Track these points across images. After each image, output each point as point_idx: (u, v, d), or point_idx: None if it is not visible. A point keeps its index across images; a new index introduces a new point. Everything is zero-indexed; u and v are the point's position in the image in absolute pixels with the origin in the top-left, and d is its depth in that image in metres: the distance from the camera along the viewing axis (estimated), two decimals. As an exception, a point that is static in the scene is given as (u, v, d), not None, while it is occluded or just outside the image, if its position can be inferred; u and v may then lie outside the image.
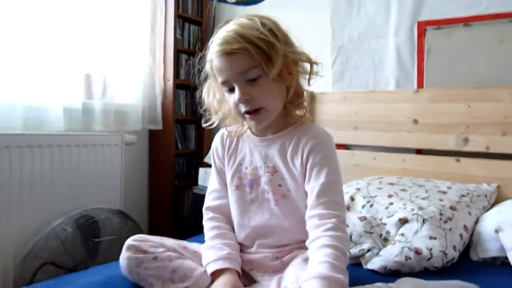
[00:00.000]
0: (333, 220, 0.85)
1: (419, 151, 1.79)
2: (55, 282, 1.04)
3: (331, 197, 0.89)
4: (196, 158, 2.55)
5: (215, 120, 1.02)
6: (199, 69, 1.00)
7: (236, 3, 2.12)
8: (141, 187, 2.44)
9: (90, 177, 2.04)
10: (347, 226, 1.27)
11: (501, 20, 1.63)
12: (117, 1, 2.13)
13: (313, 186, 0.90)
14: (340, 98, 1.97)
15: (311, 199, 0.90)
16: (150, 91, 2.33)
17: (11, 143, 1.70)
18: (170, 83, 2.37)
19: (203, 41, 2.50)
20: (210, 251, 0.95)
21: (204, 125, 1.03)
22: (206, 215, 1.06)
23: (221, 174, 1.07)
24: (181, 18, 2.44)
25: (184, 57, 2.47)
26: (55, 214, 1.84)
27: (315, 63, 0.95)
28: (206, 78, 1.00)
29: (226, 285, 0.87)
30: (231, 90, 0.91)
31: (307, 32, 2.10)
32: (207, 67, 0.95)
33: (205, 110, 1.02)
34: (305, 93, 0.99)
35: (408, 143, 1.79)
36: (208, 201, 1.08)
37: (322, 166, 0.91)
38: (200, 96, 1.02)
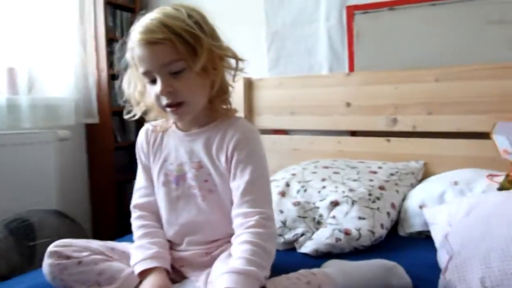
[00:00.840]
0: (256, 217, 0.86)
1: (353, 133, 1.86)
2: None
3: (255, 195, 0.89)
4: (137, 150, 2.48)
5: (137, 111, 0.99)
6: (119, 57, 0.96)
7: (168, -11, 2.06)
8: (81, 184, 2.35)
9: (22, 178, 1.94)
10: (281, 212, 1.30)
11: (423, 4, 1.69)
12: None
13: (238, 184, 0.91)
14: (277, 83, 1.99)
15: (236, 197, 0.90)
16: (83, 83, 2.23)
17: None
18: (104, 73, 2.28)
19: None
20: (138, 251, 0.94)
21: (125, 116, 1.00)
22: (134, 213, 1.03)
23: (147, 170, 1.05)
24: (111, 5, 2.33)
25: (118, 46, 2.37)
26: (-17, 220, 1.74)
27: (241, 59, 0.94)
28: (126, 67, 0.96)
29: (153, 285, 0.86)
30: (153, 81, 0.88)
31: (242, 19, 2.10)
32: (128, 55, 0.91)
33: (125, 101, 0.98)
34: (230, 88, 0.97)
35: (343, 125, 1.84)
36: (135, 199, 1.05)
37: (247, 164, 0.91)
38: (120, 87, 0.98)
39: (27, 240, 1.76)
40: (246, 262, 0.78)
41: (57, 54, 2.09)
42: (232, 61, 0.94)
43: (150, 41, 0.84)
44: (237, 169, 0.91)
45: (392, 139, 1.74)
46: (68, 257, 0.92)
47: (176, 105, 0.89)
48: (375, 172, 1.52)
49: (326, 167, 1.59)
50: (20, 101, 1.93)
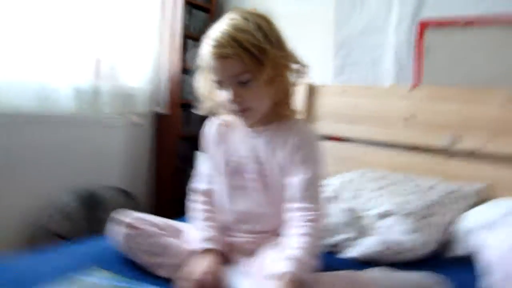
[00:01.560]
0: (316, 213, 0.94)
1: (411, 148, 1.84)
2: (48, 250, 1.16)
3: (312, 192, 0.97)
4: (199, 141, 2.62)
5: (206, 108, 1.08)
6: (192, 56, 1.05)
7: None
8: (147, 167, 2.54)
9: (97, 156, 2.16)
10: (330, 215, 1.34)
11: (500, 25, 1.64)
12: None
13: (298, 180, 0.97)
14: (340, 91, 2.01)
15: (296, 192, 0.97)
16: (158, 75, 2.41)
17: (24, 120, 1.81)
18: (177, 68, 2.44)
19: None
20: (200, 231, 1.05)
21: (195, 111, 1.10)
22: (197, 197, 1.13)
23: (210, 159, 1.14)
24: (189, 5, 2.48)
25: (191, 43, 2.52)
26: (62, 189, 1.96)
27: (304, 65, 1.00)
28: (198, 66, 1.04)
29: (208, 265, 0.96)
30: (223, 87, 0.97)
31: (312, 25, 2.16)
32: (200, 60, 1.00)
33: (196, 98, 1.08)
34: (292, 91, 1.03)
35: (402, 139, 1.83)
36: (199, 183, 1.15)
37: (306, 162, 0.98)
38: (190, 82, 1.08)
39: (95, 212, 1.96)
40: (306, 253, 0.87)
41: (137, 47, 2.28)
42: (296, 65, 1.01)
43: (220, 56, 0.92)
44: (294, 166, 0.98)
45: (453, 159, 1.70)
46: (139, 229, 1.04)
47: (243, 110, 0.98)
48: (432, 188, 1.51)
49: (381, 178, 1.60)
50: (102, 87, 2.14)
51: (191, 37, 2.51)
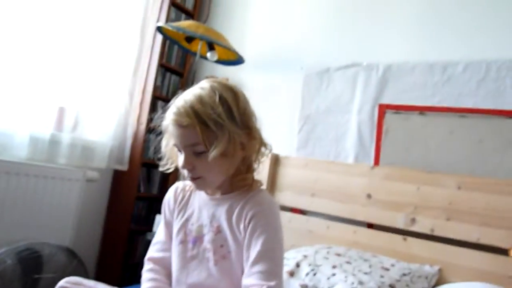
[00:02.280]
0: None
1: (370, 225, 1.86)
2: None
3: (265, 267, 0.91)
4: (157, 203, 2.55)
5: (170, 166, 1.05)
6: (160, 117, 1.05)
7: (217, 62, 2.25)
8: (96, 226, 2.40)
9: (45, 209, 2.01)
10: (287, 292, 1.29)
11: (452, 114, 1.78)
12: (106, 40, 2.22)
13: (250, 254, 0.94)
14: (302, 164, 2.05)
15: (246, 267, 0.93)
16: (122, 131, 2.37)
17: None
18: (143, 126, 2.42)
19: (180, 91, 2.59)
20: None
21: (161, 169, 1.07)
22: (147, 265, 1.07)
23: (168, 226, 1.09)
24: (163, 67, 2.54)
25: (160, 104, 2.54)
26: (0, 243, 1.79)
27: (265, 145, 1.01)
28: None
29: None
30: (180, 151, 0.97)
31: (281, 97, 2.25)
32: (164, 124, 0.99)
33: (161, 158, 1.06)
34: (254, 167, 1.03)
35: (361, 216, 1.85)
36: (151, 252, 1.09)
37: (260, 234, 0.94)
38: (154, 140, 1.06)
39: (33, 272, 1.79)
40: None
41: (106, 100, 2.26)
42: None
43: (178, 123, 0.93)
44: (251, 238, 0.95)
45: (409, 238, 1.73)
46: (76, 295, 0.94)
47: (194, 179, 0.98)
48: (387, 269, 1.50)
49: (339, 255, 1.58)
50: (62, 138, 2.07)
51: (161, 98, 2.54)
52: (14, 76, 1.86)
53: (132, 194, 2.39)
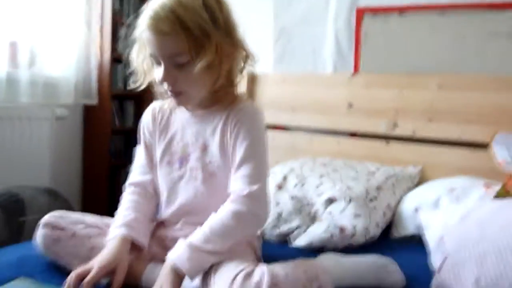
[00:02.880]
0: (248, 191, 0.87)
1: (353, 134, 1.86)
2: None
3: (248, 171, 0.89)
4: (134, 135, 2.46)
5: (144, 81, 0.96)
6: (124, 41, 0.94)
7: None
8: (74, 164, 2.33)
9: (16, 153, 1.92)
10: (278, 204, 1.30)
11: (432, 11, 1.70)
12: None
13: (234, 159, 0.91)
14: (280, 80, 1.99)
15: (231, 173, 0.91)
16: (85, 63, 2.21)
17: None
18: (107, 55, 2.26)
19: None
20: (115, 219, 0.94)
21: (132, 85, 0.98)
22: (128, 189, 1.03)
23: (148, 149, 1.04)
24: (120, -12, 2.32)
25: (124, 30, 2.35)
26: (-26, 192, 1.71)
27: (251, 56, 0.92)
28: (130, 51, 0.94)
29: (108, 252, 0.85)
30: (158, 63, 0.88)
31: (251, 12, 2.09)
32: (137, 32, 0.89)
33: (133, 71, 0.97)
34: (237, 78, 0.95)
35: (343, 126, 1.85)
36: (132, 177, 1.05)
37: (244, 139, 0.90)
38: (129, 55, 0.95)
39: (16, 216, 1.74)
40: (214, 236, 0.83)
41: (60, 32, 2.07)
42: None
43: (157, 30, 0.82)
44: (235, 144, 0.91)
45: (391, 142, 1.75)
46: (62, 229, 0.91)
47: (175, 93, 0.89)
48: (373, 173, 1.53)
49: (325, 165, 1.59)
50: (20, 75, 1.91)
51: (122, 23, 2.34)
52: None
53: (107, 129, 2.31)
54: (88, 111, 2.32)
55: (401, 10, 1.76)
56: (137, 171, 1.05)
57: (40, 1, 1.96)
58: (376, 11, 1.80)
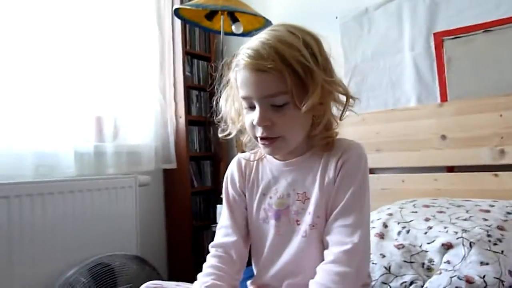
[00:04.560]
0: (340, 250, 0.77)
1: (450, 169, 1.66)
2: None
3: (348, 221, 0.79)
4: (213, 195, 2.46)
5: (232, 130, 0.90)
6: (220, 74, 0.89)
7: (243, 34, 2.09)
8: (158, 229, 2.35)
9: (104, 222, 1.96)
10: (383, 256, 1.14)
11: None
12: (125, 41, 2.13)
13: (333, 206, 0.81)
14: (358, 120, 1.87)
15: (329, 221, 0.81)
16: (162, 129, 2.29)
17: (22, 192, 1.64)
18: (182, 120, 2.32)
19: (212, 76, 2.48)
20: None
21: (220, 135, 0.91)
22: (211, 252, 0.94)
23: (233, 206, 0.94)
24: (189, 55, 2.42)
25: (194, 93, 2.44)
26: (69, 264, 1.75)
27: (352, 97, 0.84)
28: (223, 83, 0.89)
29: None
30: (251, 107, 0.81)
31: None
32: (231, 74, 0.84)
33: (221, 119, 0.91)
34: (335, 124, 0.87)
35: (438, 161, 1.66)
36: (216, 238, 0.95)
37: (349, 185, 0.81)
38: (217, 103, 0.90)
39: (108, 286, 1.75)
40: None
41: (139, 102, 2.18)
42: (342, 97, 0.84)
43: (258, 68, 0.76)
44: (339, 189, 0.81)
45: (500, 173, 1.52)
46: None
47: (270, 139, 0.81)
48: (487, 211, 1.31)
49: (427, 206, 1.40)
50: (106, 148, 2.00)
51: (194, 87, 2.43)
52: (46, 95, 1.80)
53: (187, 191, 2.31)
54: (168, 174, 2.36)
55: (486, 27, 1.60)
56: (220, 233, 0.95)
57: (118, 74, 2.10)
58: (456, 32, 1.66)
